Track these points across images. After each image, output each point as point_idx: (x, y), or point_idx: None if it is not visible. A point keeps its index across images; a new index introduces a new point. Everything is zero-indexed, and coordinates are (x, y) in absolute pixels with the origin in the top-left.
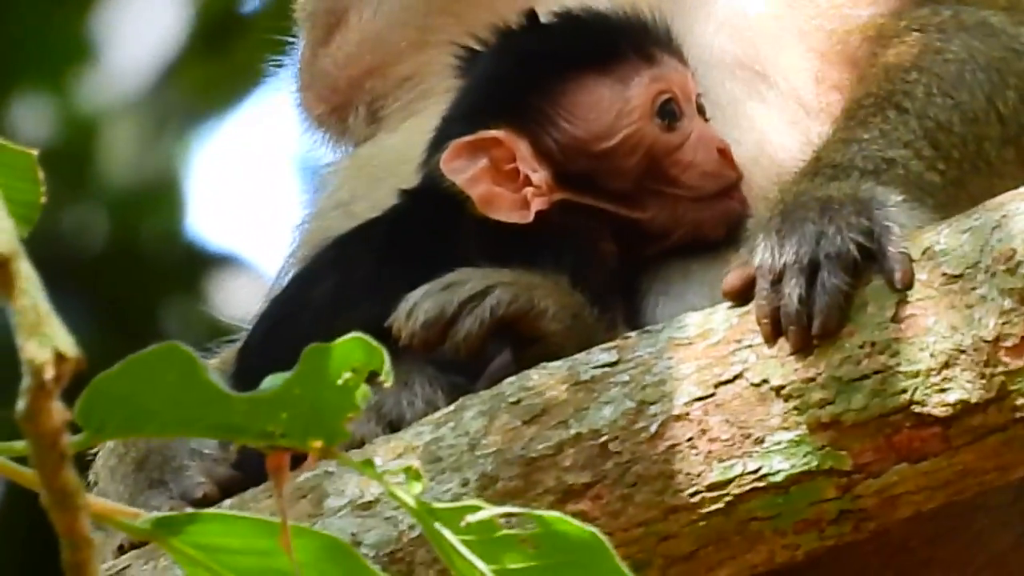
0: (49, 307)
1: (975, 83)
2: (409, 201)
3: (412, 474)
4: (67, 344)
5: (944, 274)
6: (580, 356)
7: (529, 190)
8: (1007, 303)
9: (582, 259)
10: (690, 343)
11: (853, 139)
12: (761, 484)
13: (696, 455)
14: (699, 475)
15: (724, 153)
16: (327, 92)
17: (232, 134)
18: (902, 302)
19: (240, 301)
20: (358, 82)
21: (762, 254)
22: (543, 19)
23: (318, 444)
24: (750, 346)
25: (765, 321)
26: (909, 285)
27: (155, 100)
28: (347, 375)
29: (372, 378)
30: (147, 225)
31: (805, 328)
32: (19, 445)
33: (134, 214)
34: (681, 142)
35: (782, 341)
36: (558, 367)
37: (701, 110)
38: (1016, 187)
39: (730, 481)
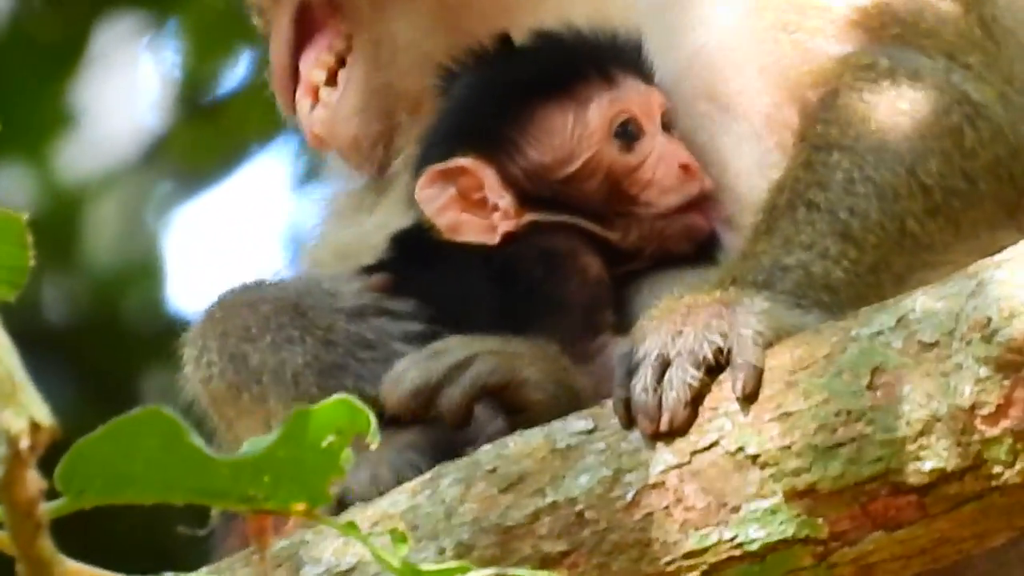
0: (25, 376)
1: (896, 158)
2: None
3: (397, 536)
4: (42, 413)
5: (919, 342)
6: (556, 424)
7: (496, 215)
8: (983, 371)
9: (564, 274)
10: None
11: (754, 253)
12: (737, 552)
13: (672, 523)
14: (675, 543)
15: (687, 168)
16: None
17: (214, 205)
18: (878, 370)
19: None
20: (355, 142)
21: (624, 346)
22: (516, 42)
23: (301, 507)
24: (726, 414)
25: (619, 405)
26: (751, 397)
27: (137, 171)
28: (331, 438)
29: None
30: (128, 296)
31: (655, 420)
32: None
33: (115, 285)
34: (640, 162)
35: (757, 408)
36: (534, 435)
37: (668, 126)
38: (947, 257)
39: (706, 550)
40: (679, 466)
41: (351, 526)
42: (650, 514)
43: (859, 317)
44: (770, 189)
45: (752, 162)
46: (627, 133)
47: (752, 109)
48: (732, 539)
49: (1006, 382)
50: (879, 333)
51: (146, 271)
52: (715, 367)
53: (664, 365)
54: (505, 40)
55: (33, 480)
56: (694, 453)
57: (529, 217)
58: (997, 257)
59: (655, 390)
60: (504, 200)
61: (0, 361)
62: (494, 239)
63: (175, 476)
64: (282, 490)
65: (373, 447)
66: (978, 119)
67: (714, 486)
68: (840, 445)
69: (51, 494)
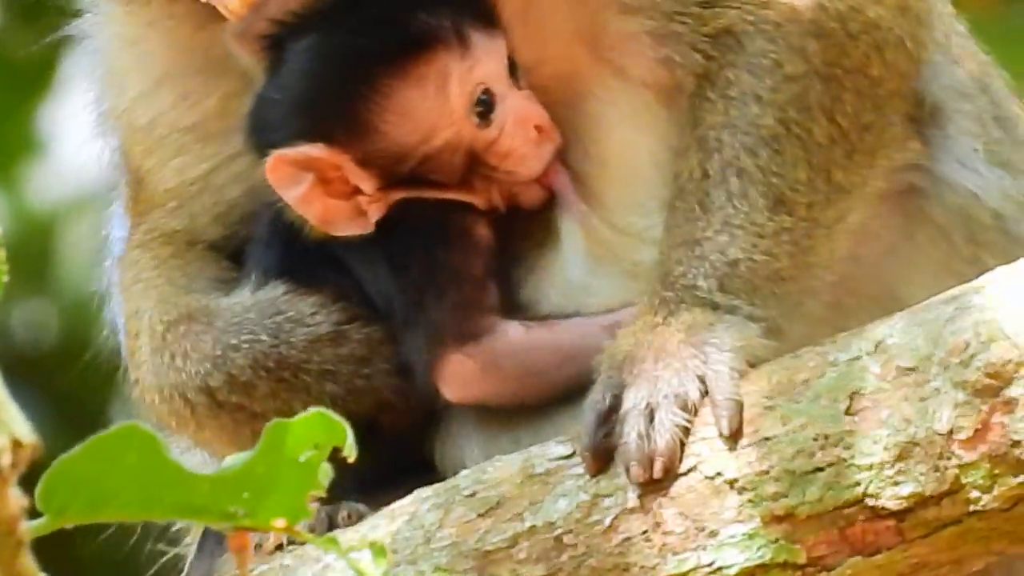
0: (5, 394)
1: (818, 106)
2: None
3: (377, 550)
4: (24, 431)
5: (898, 367)
6: (535, 448)
7: (362, 199)
8: (960, 396)
9: (462, 246)
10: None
11: (694, 240)
12: None
13: (651, 548)
14: (654, 568)
15: (541, 129)
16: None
17: None
18: (856, 394)
19: None
20: None
21: (595, 394)
22: None
23: (281, 524)
24: (704, 439)
25: (587, 455)
26: (736, 434)
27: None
28: (309, 452)
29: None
30: (100, 321)
31: (648, 467)
32: None
33: (87, 310)
34: (498, 134)
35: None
36: (513, 460)
37: (514, 72)
38: (864, 193)
39: (685, 574)
40: (657, 491)
41: (331, 541)
42: (628, 539)
43: (837, 342)
44: (688, 149)
45: (627, 116)
46: (485, 104)
47: (632, 59)
48: (710, 564)
49: (984, 407)
50: (857, 358)
51: None
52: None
53: (651, 412)
54: None
55: (14, 498)
56: (673, 477)
57: (394, 196)
58: (976, 282)
59: (648, 438)
60: (367, 183)
61: None
62: (368, 226)
63: (155, 492)
64: (262, 505)
65: (351, 460)
66: (884, 45)
67: (692, 511)
68: (818, 470)
69: (32, 514)
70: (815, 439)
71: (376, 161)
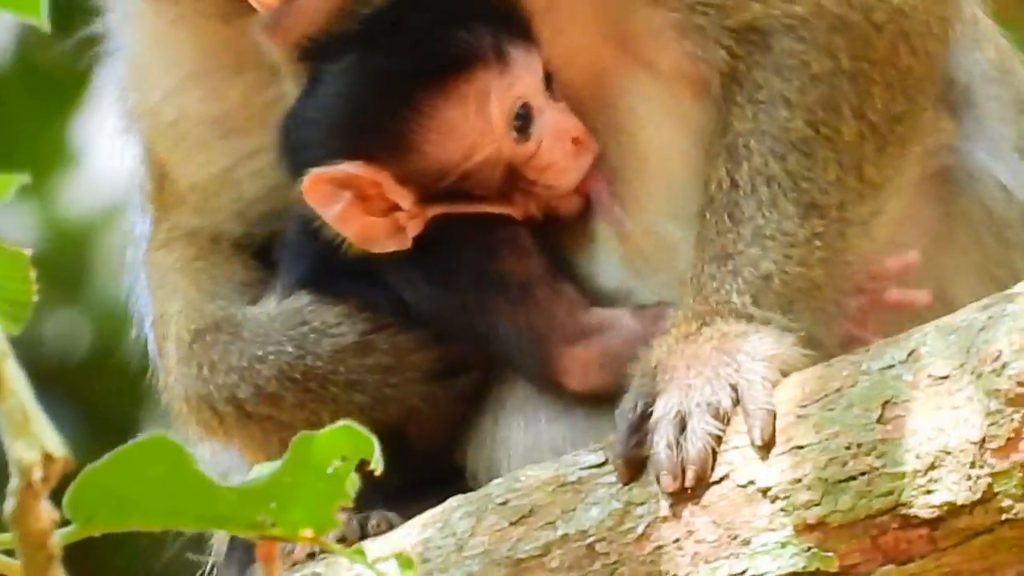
0: (37, 408)
1: (847, 104)
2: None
3: (403, 561)
4: (55, 444)
5: (930, 375)
6: (567, 457)
7: (400, 215)
8: (993, 404)
9: (510, 257)
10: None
11: (725, 254)
12: None
13: (683, 556)
14: None
15: (578, 141)
16: None
17: None
18: (888, 403)
19: None
20: None
21: (627, 402)
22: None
23: (308, 533)
24: (736, 447)
25: (619, 463)
26: (769, 444)
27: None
28: (336, 463)
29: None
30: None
31: (679, 477)
32: (6, 537)
33: (119, 321)
34: (536, 148)
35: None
36: (545, 468)
37: (549, 84)
38: (897, 185)
39: None
40: (690, 499)
41: (358, 551)
42: (661, 547)
43: (870, 351)
44: (716, 156)
45: (659, 114)
46: (524, 119)
47: (660, 54)
48: (743, 572)
49: (1016, 416)
50: (890, 367)
51: None
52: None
53: (682, 421)
54: (383, 13)
55: (46, 511)
56: (706, 486)
57: (432, 211)
58: (1009, 291)
59: (678, 447)
60: (406, 200)
61: (12, 393)
62: (406, 242)
63: (182, 503)
64: (289, 516)
65: (377, 472)
66: (911, 32)
67: (724, 519)
68: (851, 478)
69: (60, 523)
70: (848, 448)
71: (415, 178)
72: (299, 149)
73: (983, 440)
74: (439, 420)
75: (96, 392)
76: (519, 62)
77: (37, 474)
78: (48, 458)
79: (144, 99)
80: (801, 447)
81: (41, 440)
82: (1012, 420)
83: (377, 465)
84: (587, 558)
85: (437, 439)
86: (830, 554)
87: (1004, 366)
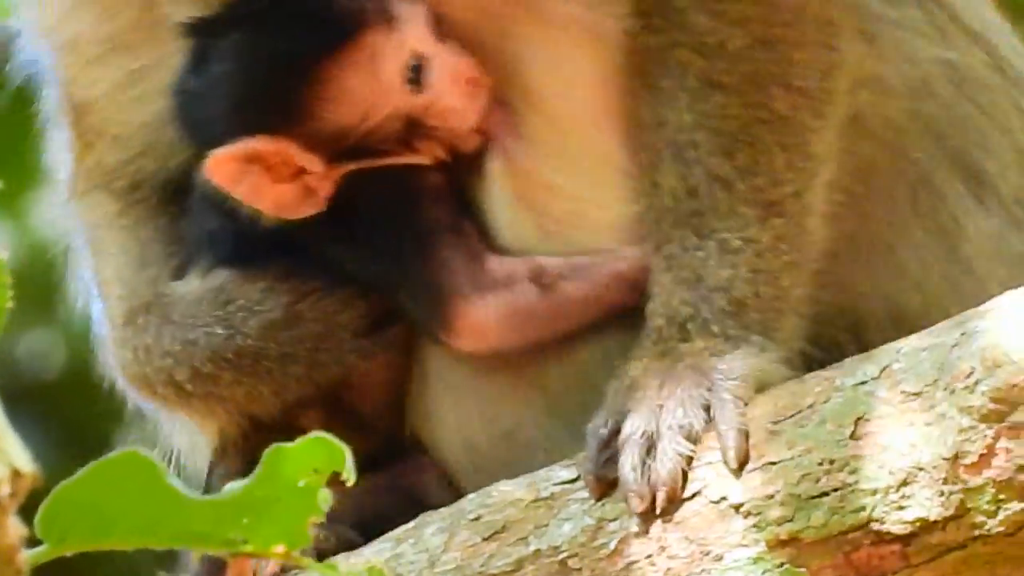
0: (5, 424)
1: (766, 72)
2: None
3: (376, 574)
4: (23, 461)
5: (903, 392)
6: (540, 472)
7: (309, 178)
8: (965, 421)
9: (426, 203)
10: None
11: (695, 277)
12: None
13: (655, 572)
14: None
15: (472, 80)
16: None
17: None
18: (861, 419)
19: None
20: None
21: (598, 419)
22: None
23: (280, 550)
24: (709, 463)
25: (590, 479)
26: (742, 463)
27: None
28: (308, 477)
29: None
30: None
31: (647, 498)
32: None
33: (93, 339)
34: (433, 97)
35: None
36: (518, 483)
37: (440, 27)
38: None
39: None
40: (662, 515)
41: (330, 567)
42: (633, 562)
43: (843, 367)
44: (661, 159)
45: (548, 61)
46: (416, 73)
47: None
48: None
49: (989, 432)
50: (863, 383)
51: None
52: None
53: (650, 441)
54: None
55: (14, 527)
56: (678, 501)
57: (341, 170)
58: (981, 308)
59: (644, 468)
60: (314, 164)
61: None
62: (320, 204)
63: (156, 519)
64: (261, 531)
65: (349, 484)
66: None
67: (697, 535)
68: (823, 494)
69: (32, 542)
70: (820, 464)
71: (319, 142)
72: (196, 128)
73: (956, 456)
74: (377, 375)
75: (71, 410)
76: (403, 16)
77: (5, 490)
78: (16, 474)
79: (46, 18)
80: (774, 463)
81: (9, 456)
82: (985, 436)
83: (349, 476)
84: (560, 574)
85: (381, 399)
86: (803, 570)
87: (977, 383)
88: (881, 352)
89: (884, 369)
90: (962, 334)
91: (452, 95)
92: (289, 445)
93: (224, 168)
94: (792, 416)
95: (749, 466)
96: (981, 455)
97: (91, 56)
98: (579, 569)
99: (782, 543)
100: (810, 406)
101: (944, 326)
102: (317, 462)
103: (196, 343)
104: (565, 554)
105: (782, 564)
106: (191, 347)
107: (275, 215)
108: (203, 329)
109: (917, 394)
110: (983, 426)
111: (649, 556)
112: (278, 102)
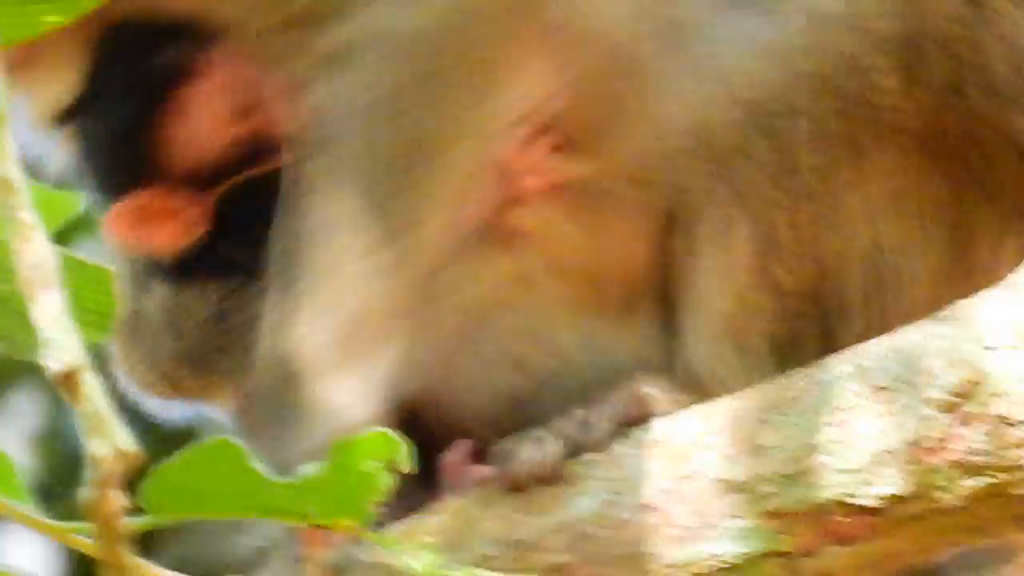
0: (110, 410)
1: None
2: None
3: (425, 546)
4: (127, 442)
5: (873, 386)
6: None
7: (189, 211)
8: (926, 411)
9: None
10: (657, 443)
11: None
12: (718, 564)
13: (663, 539)
14: (665, 556)
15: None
16: None
17: None
18: (837, 409)
19: None
20: None
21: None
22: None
23: (347, 523)
24: (707, 447)
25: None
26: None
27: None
28: (372, 465)
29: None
30: None
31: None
32: (86, 526)
33: None
34: (262, 115)
35: (736, 442)
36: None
37: (241, 60)
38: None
39: (693, 562)
40: (669, 491)
41: (390, 540)
42: (643, 530)
43: (822, 365)
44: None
45: None
46: (236, 105)
47: None
48: (714, 553)
49: (946, 420)
50: (839, 378)
51: None
52: None
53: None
54: (114, 40)
55: (117, 498)
56: (681, 479)
57: (217, 192)
58: (940, 314)
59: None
60: (187, 198)
61: (88, 399)
62: (208, 225)
63: (241, 496)
64: (331, 508)
65: (406, 470)
66: None
67: (699, 508)
68: (805, 473)
69: (136, 513)
70: (803, 447)
71: (183, 180)
72: (92, 192)
73: (918, 441)
74: None
75: None
76: (214, 56)
77: (110, 467)
78: (120, 453)
79: None
80: (763, 447)
81: (114, 439)
82: (942, 424)
83: (407, 464)
84: (580, 541)
85: None
86: (787, 537)
87: (936, 378)
88: (855, 352)
89: (858, 367)
90: (923, 337)
91: (283, 105)
92: (354, 437)
93: (115, 228)
94: (778, 406)
95: (744, 450)
96: (939, 440)
97: None
98: (596, 536)
99: (770, 515)
100: (794, 398)
101: (908, 331)
102: (378, 451)
103: (160, 348)
104: (585, 524)
105: (770, 533)
106: (156, 352)
107: (170, 251)
108: (159, 336)
109: (885, 388)
110: (941, 416)
111: (657, 526)
112: (132, 163)
